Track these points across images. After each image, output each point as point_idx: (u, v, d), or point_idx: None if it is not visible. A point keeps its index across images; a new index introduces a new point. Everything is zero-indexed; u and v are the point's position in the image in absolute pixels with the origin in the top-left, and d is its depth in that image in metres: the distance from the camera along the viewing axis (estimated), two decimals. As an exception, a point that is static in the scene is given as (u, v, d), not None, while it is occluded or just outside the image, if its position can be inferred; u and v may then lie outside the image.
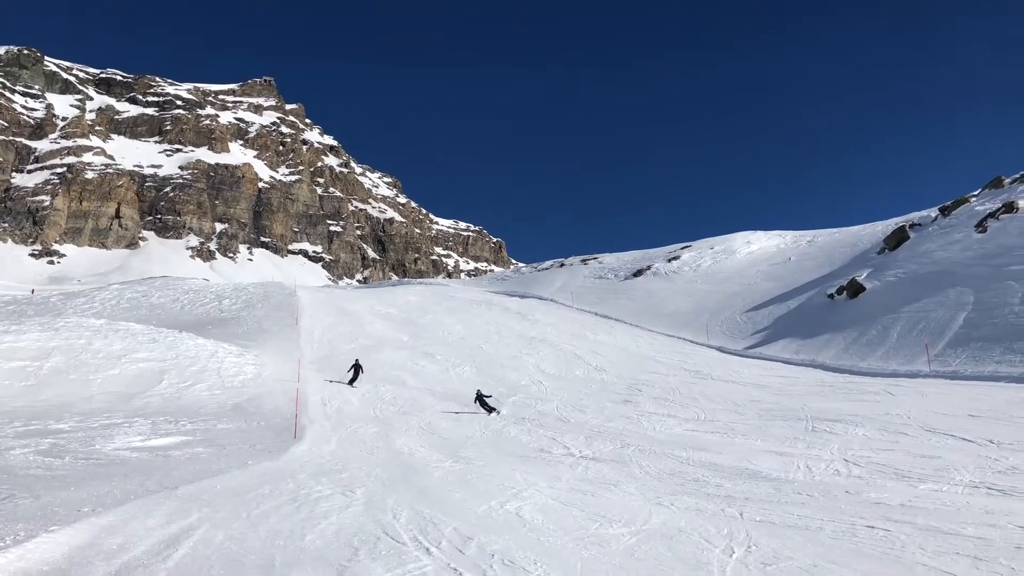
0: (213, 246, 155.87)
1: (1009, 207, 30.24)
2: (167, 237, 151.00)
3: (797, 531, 9.03)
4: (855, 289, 30.75)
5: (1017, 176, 35.02)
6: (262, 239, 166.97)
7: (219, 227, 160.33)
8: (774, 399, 19.82)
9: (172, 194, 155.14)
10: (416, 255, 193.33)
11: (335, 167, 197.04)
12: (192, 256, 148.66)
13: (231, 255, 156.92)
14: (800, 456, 13.88)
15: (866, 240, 39.79)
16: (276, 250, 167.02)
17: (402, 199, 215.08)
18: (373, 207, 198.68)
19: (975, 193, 36.31)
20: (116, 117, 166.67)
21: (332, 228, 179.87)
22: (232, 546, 8.21)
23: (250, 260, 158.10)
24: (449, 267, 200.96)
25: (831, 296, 31.85)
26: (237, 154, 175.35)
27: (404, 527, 8.97)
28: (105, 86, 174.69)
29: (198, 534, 8.58)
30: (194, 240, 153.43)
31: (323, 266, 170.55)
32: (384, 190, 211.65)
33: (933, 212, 37.43)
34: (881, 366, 23.18)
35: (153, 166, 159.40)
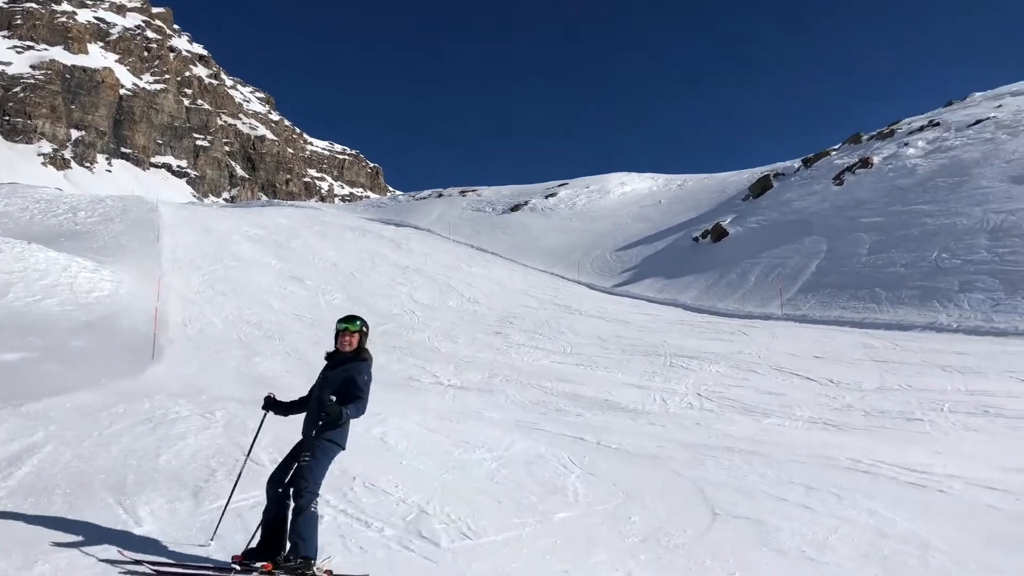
0: (68, 154, 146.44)
1: (865, 162, 31.97)
2: (16, 141, 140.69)
3: (650, 460, 9.47)
4: (719, 233, 31.97)
5: (874, 133, 36.95)
6: (122, 150, 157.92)
7: (75, 134, 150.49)
8: (637, 335, 20.53)
9: (22, 95, 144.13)
10: (288, 176, 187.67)
11: (204, 78, 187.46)
12: (44, 163, 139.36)
13: (88, 165, 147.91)
14: (657, 390, 14.50)
15: (733, 187, 41.27)
16: (137, 162, 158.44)
17: (275, 116, 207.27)
18: (243, 123, 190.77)
19: (836, 147, 38.10)
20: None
21: (199, 142, 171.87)
22: (81, 465, 7.92)
23: (109, 171, 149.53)
24: (323, 191, 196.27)
25: (696, 239, 33.01)
26: (97, 57, 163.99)
27: (264, 449, 8.85)
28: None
29: (44, 452, 8.23)
30: (47, 146, 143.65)
31: (188, 182, 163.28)
32: (256, 106, 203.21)
33: (797, 163, 39.09)
34: (738, 307, 24.33)
35: (1, 63, 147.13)
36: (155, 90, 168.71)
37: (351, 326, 5.97)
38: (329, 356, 6.09)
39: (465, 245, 41.37)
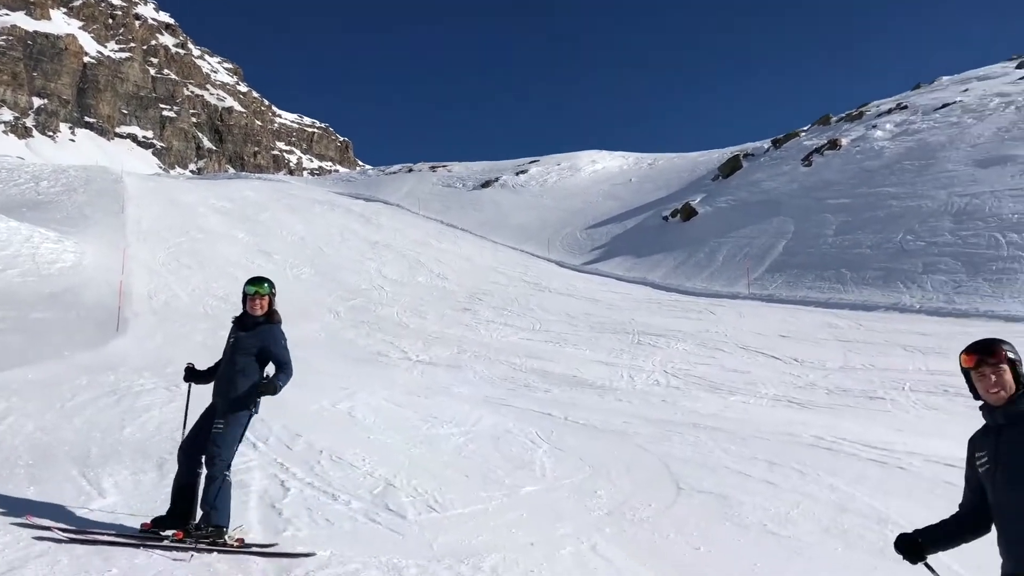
0: (30, 122, 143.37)
1: (833, 144, 32.26)
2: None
3: (616, 435, 9.56)
4: (688, 213, 32.13)
5: (843, 115, 37.27)
6: (86, 119, 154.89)
7: (37, 102, 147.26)
8: (605, 313, 20.63)
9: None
10: (256, 148, 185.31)
11: (170, 47, 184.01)
12: (5, 132, 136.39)
13: (50, 134, 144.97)
14: (625, 367, 14.60)
15: (703, 167, 41.42)
16: (102, 132, 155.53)
17: (243, 88, 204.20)
18: (211, 94, 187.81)
19: (805, 128, 38.39)
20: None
21: (165, 113, 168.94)
22: (44, 437, 7.82)
23: (72, 141, 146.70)
24: (291, 164, 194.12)
25: (666, 218, 33.15)
26: (60, 23, 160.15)
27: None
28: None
29: (5, 424, 8.12)
30: (8, 114, 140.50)
31: (153, 153, 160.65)
32: (224, 76, 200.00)
33: (766, 144, 39.33)
34: (705, 286, 24.52)
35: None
36: (120, 59, 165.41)
37: (260, 289, 5.70)
38: (237, 320, 5.81)
39: (435, 221, 41.21)
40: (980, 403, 3.31)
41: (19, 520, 5.39)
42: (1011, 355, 3.21)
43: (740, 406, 11.58)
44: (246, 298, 5.73)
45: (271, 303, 5.76)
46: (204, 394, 5.85)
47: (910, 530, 3.45)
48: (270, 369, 5.74)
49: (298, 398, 10.77)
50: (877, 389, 12.10)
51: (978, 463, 3.31)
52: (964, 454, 7.80)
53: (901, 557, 3.37)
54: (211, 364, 5.97)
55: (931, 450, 8.50)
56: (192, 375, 5.94)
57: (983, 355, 3.22)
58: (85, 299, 19.15)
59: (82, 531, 5.33)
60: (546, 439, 9.14)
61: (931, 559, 3.33)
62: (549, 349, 16.49)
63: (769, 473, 7.85)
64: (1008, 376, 3.18)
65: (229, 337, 5.82)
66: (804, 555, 5.76)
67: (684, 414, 10.93)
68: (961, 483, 7.29)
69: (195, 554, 5.10)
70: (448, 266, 28.75)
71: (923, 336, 15.42)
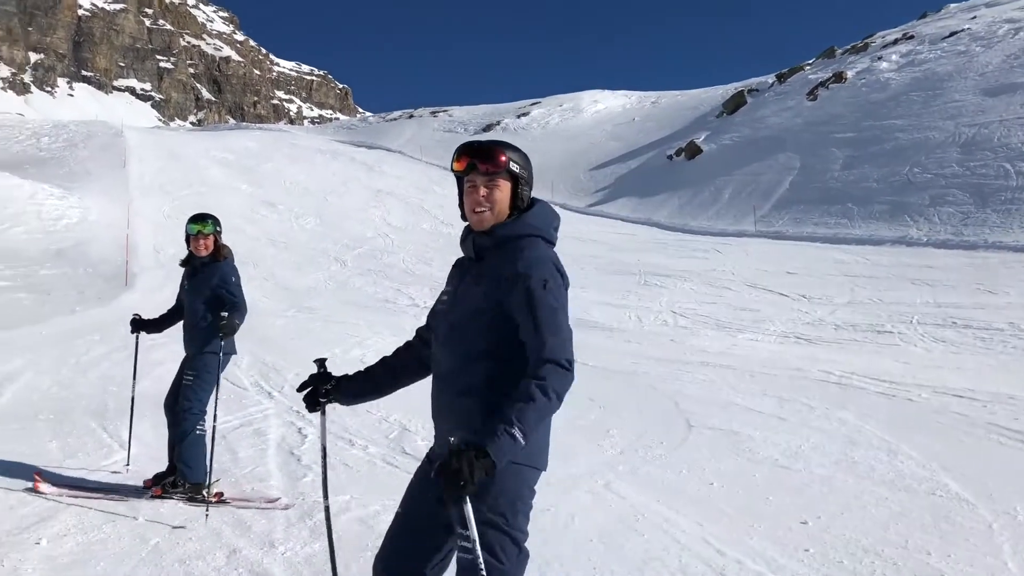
0: (28, 78, 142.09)
1: (839, 77, 31.82)
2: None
3: (626, 375, 9.64)
4: (693, 151, 31.89)
5: (848, 47, 36.71)
6: (84, 73, 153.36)
7: (34, 57, 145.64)
8: (611, 255, 20.62)
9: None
10: (255, 98, 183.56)
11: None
12: (3, 88, 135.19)
13: (48, 89, 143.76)
14: (632, 308, 14.65)
15: (707, 103, 40.97)
16: (100, 86, 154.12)
17: (240, 37, 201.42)
18: (208, 44, 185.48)
19: (810, 62, 37.86)
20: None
21: (162, 64, 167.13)
22: (60, 392, 7.94)
23: (71, 96, 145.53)
24: (291, 113, 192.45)
25: (670, 157, 32.91)
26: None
27: (245, 373, 8.91)
28: None
29: (23, 380, 8.23)
30: (4, 70, 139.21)
31: (152, 105, 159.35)
32: (220, 26, 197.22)
33: (770, 79, 38.83)
34: (711, 225, 24.45)
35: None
36: (114, 10, 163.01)
37: (204, 228, 5.38)
38: (185, 262, 5.58)
39: (437, 167, 40.98)
40: (465, 225, 2.56)
41: (52, 470, 5.50)
42: (516, 168, 2.46)
43: (748, 344, 11.64)
44: (189, 238, 5.44)
45: (216, 241, 5.47)
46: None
47: (332, 372, 2.73)
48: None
49: (309, 346, 10.88)
50: (885, 323, 12.13)
51: (441, 297, 2.70)
52: (973, 385, 7.80)
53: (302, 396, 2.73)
54: (163, 312, 5.86)
55: (940, 382, 8.55)
56: (139, 325, 5.79)
57: (477, 159, 2.42)
58: (92, 255, 19.23)
59: (74, 488, 5.30)
60: (557, 381, 9.20)
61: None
62: (556, 292, 16.52)
63: (779, 409, 7.92)
64: (503, 193, 2.46)
65: (182, 282, 5.65)
66: (815, 488, 5.84)
67: (693, 353, 10.99)
68: (970, 413, 7.36)
69: (213, 504, 5.18)
70: (452, 212, 28.60)
71: (930, 269, 15.40)
